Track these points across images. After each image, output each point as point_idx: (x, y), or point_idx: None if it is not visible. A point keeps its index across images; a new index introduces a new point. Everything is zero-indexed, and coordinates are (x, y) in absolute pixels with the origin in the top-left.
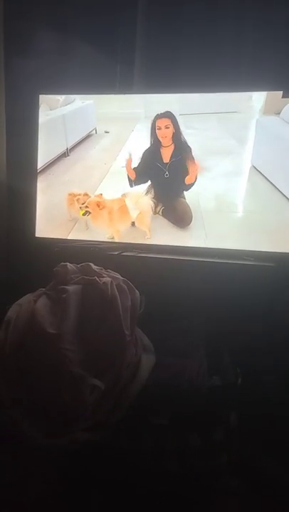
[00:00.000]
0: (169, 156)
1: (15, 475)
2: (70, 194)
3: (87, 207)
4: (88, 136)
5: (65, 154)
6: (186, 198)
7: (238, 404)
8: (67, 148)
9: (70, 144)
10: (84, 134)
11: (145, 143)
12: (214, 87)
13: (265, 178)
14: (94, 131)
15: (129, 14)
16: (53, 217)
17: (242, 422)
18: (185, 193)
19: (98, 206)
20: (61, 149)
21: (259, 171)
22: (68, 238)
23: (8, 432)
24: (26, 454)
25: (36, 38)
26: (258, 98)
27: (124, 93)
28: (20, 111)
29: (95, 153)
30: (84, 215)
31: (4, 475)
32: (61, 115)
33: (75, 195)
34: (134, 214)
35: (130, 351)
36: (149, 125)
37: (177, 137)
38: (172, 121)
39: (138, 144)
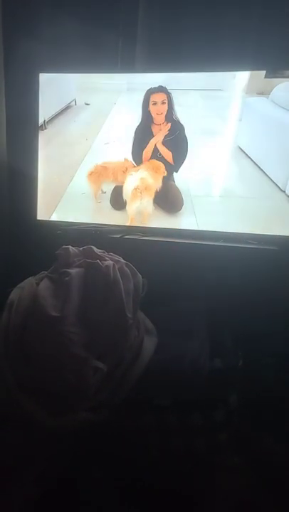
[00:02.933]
0: (162, 134)
1: (20, 453)
2: (92, 172)
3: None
4: (67, 107)
5: (41, 127)
6: (175, 181)
7: (238, 386)
8: (44, 121)
9: (47, 116)
10: (63, 105)
11: (128, 118)
12: (217, 65)
13: (251, 160)
14: (73, 103)
15: None
16: None
17: (242, 403)
18: (175, 175)
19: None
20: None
21: (245, 153)
22: (70, 221)
23: (13, 411)
24: (31, 433)
25: (36, 16)
26: (242, 77)
27: (126, 72)
28: (20, 90)
29: (75, 127)
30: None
31: (9, 453)
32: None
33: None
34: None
35: (132, 334)
36: (132, 98)
37: (170, 115)
38: (168, 97)
39: (121, 118)
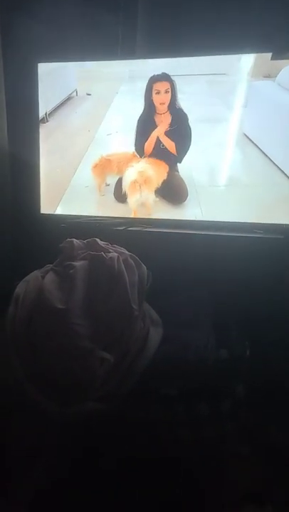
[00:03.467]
0: (166, 124)
1: (29, 443)
2: (97, 165)
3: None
4: (68, 98)
5: (43, 120)
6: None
7: (245, 376)
8: (46, 113)
9: (49, 108)
10: (64, 97)
11: (131, 108)
12: (220, 49)
13: (257, 147)
14: (74, 93)
15: None
16: None
17: (249, 393)
18: (178, 166)
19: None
20: (39, 114)
21: (250, 140)
22: (74, 214)
23: (21, 402)
24: (39, 423)
25: (33, 4)
26: (248, 59)
27: (127, 58)
28: (19, 80)
29: (77, 118)
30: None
31: (19, 443)
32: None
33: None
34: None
35: (138, 325)
36: (134, 87)
37: (173, 104)
38: (171, 86)
39: (123, 108)
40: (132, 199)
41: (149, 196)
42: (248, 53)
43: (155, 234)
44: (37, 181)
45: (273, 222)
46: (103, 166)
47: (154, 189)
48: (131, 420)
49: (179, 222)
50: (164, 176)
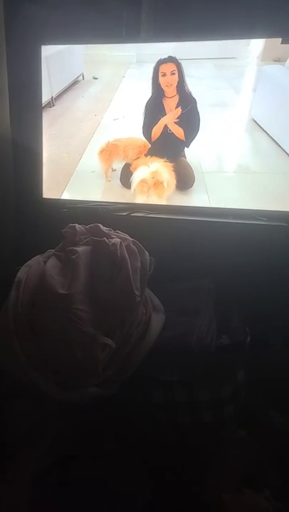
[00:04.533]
0: (174, 108)
1: (31, 427)
2: (103, 150)
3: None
4: (75, 82)
5: (49, 104)
6: (186, 157)
7: (246, 363)
8: (52, 97)
9: (55, 92)
10: (70, 81)
11: (138, 92)
12: (225, 33)
13: (266, 132)
14: (81, 77)
15: None
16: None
17: (249, 379)
18: (186, 151)
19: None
20: (45, 98)
21: (259, 125)
22: (76, 199)
23: (23, 386)
24: (41, 407)
25: None
26: (257, 43)
27: (131, 42)
28: (23, 63)
29: (84, 102)
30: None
31: (21, 427)
32: (44, 57)
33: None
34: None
35: (140, 311)
36: (141, 71)
37: (181, 87)
38: (178, 68)
39: (131, 92)
40: (138, 197)
41: (157, 198)
42: (257, 38)
43: (158, 220)
44: (39, 165)
45: (277, 209)
46: (110, 151)
47: (163, 195)
48: (131, 405)
49: (181, 208)
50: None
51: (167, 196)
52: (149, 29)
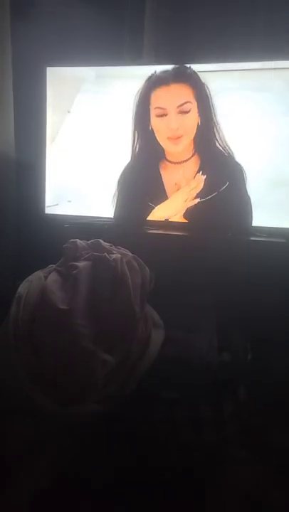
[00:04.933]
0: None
1: (30, 443)
2: None
3: None
4: None
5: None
6: None
7: (247, 379)
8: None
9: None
10: None
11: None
12: (226, 57)
13: None
14: None
15: None
16: None
17: (251, 396)
18: None
19: None
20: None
21: None
22: (78, 215)
23: (23, 402)
24: (40, 423)
25: (42, 9)
26: None
27: (133, 64)
28: (28, 84)
29: None
30: None
31: (20, 443)
32: None
33: None
34: None
35: (140, 327)
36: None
37: (205, 141)
38: (196, 96)
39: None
40: None
41: None
42: (258, 61)
43: (159, 236)
44: (42, 181)
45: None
46: None
47: None
48: (131, 423)
49: (182, 224)
50: None
51: None
52: (151, 52)
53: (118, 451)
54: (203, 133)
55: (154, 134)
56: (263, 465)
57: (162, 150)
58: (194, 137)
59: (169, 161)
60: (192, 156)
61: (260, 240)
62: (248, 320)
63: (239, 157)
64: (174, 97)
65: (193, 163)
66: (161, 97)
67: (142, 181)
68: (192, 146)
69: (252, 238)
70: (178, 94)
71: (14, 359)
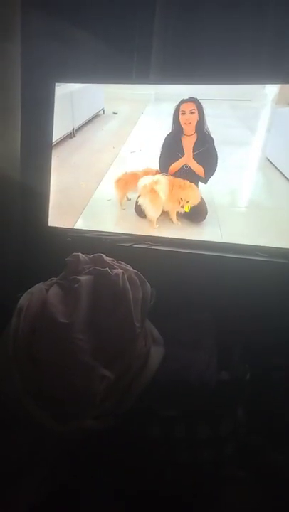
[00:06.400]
0: (191, 146)
1: (26, 457)
2: (120, 179)
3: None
4: (96, 116)
5: (70, 135)
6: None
7: (246, 399)
8: (73, 129)
9: (76, 124)
10: (91, 114)
11: (155, 128)
12: (233, 78)
13: (280, 171)
14: (102, 112)
15: (148, 1)
16: (58, 204)
17: (249, 416)
18: (200, 185)
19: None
20: (67, 129)
21: (273, 164)
22: (81, 228)
23: (20, 416)
24: (37, 438)
25: (52, 26)
26: (273, 87)
27: (141, 83)
28: (36, 100)
29: (103, 135)
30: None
31: (15, 457)
32: (69, 92)
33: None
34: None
35: (140, 343)
36: (159, 108)
37: (200, 127)
38: (197, 108)
39: (148, 128)
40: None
41: (148, 206)
42: (266, 83)
43: (160, 252)
44: (47, 195)
45: (278, 246)
46: (126, 181)
47: (156, 204)
48: (128, 439)
49: (183, 241)
50: (175, 204)
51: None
52: (159, 71)
53: (113, 467)
54: (199, 123)
55: (179, 121)
56: (261, 485)
57: (182, 129)
58: (195, 125)
59: (185, 135)
60: (194, 133)
61: (262, 260)
62: (248, 339)
63: (213, 135)
64: (188, 107)
65: (194, 136)
66: (184, 107)
67: (173, 142)
68: (194, 129)
69: (253, 257)
70: (190, 106)
71: (12, 371)
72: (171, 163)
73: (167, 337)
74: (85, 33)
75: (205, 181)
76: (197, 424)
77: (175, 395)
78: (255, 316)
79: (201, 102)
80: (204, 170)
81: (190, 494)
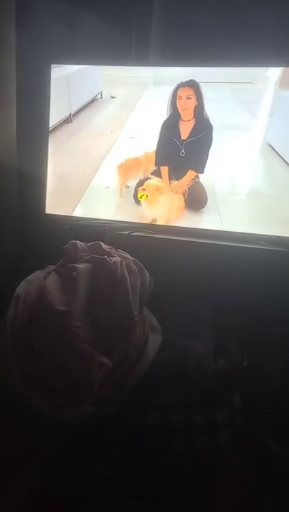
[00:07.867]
0: (188, 132)
1: (24, 445)
2: (122, 165)
3: (144, 189)
4: (93, 100)
5: (67, 120)
6: (200, 178)
7: (243, 387)
8: (70, 114)
9: (73, 109)
10: (89, 99)
11: (154, 112)
12: (234, 60)
13: (281, 157)
14: (99, 96)
15: None
16: (56, 191)
17: (245, 403)
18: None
19: (157, 190)
20: (64, 114)
21: (275, 150)
22: (78, 216)
23: (18, 404)
24: (35, 425)
25: (48, 5)
26: (275, 70)
27: (140, 65)
28: (32, 82)
29: (101, 120)
30: (141, 198)
31: (14, 444)
32: (65, 75)
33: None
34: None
35: (138, 331)
36: (158, 92)
37: (199, 112)
38: (195, 93)
39: (147, 112)
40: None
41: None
42: (267, 66)
43: (159, 240)
44: (44, 182)
45: (278, 234)
46: (128, 167)
47: (153, 205)
48: (126, 427)
49: (182, 229)
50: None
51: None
52: (158, 53)
53: (111, 454)
54: (197, 109)
55: (176, 107)
56: (257, 471)
57: (179, 114)
58: (193, 110)
59: (182, 120)
60: (192, 118)
61: (261, 248)
62: (246, 327)
63: (212, 120)
64: (185, 93)
65: (192, 122)
66: (180, 92)
67: (170, 127)
68: (192, 114)
69: (253, 246)
70: (186, 92)
71: (10, 360)
72: (166, 147)
73: (165, 325)
74: (82, 13)
75: (201, 171)
76: (194, 411)
77: (172, 382)
78: (254, 304)
79: (200, 85)
80: (196, 158)
81: (187, 481)
